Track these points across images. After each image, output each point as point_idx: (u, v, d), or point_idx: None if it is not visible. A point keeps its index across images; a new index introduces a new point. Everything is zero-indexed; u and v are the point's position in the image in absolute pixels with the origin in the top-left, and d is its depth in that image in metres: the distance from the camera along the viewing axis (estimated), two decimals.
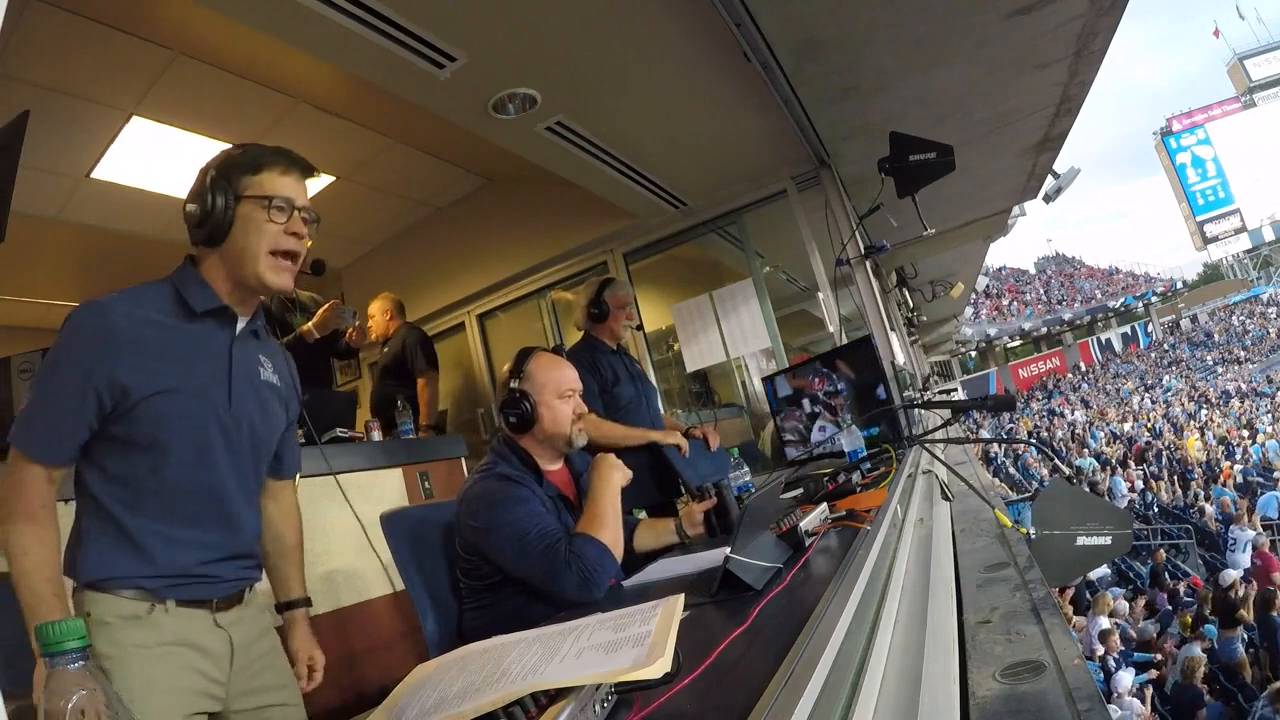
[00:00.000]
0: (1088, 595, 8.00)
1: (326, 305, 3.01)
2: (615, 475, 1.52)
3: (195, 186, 1.17)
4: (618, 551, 1.42)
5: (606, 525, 1.42)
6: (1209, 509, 10.64)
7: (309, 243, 1.23)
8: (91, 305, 1.09)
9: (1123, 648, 6.44)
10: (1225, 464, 13.34)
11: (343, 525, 2.37)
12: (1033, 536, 1.81)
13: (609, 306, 2.75)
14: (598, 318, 2.76)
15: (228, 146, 1.21)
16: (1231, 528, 8.85)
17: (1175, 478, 13.51)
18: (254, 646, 1.23)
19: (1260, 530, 8.66)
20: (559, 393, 1.58)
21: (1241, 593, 6.87)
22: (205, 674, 1.14)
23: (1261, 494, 10.68)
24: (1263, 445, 13.75)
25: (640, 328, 2.85)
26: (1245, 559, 8.46)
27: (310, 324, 2.97)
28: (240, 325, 1.22)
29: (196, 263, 1.20)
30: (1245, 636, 6.40)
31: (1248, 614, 6.59)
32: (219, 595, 1.17)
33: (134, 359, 1.08)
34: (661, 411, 2.98)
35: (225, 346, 1.20)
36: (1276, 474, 12.07)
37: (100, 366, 1.06)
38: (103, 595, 1.08)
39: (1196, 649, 6.01)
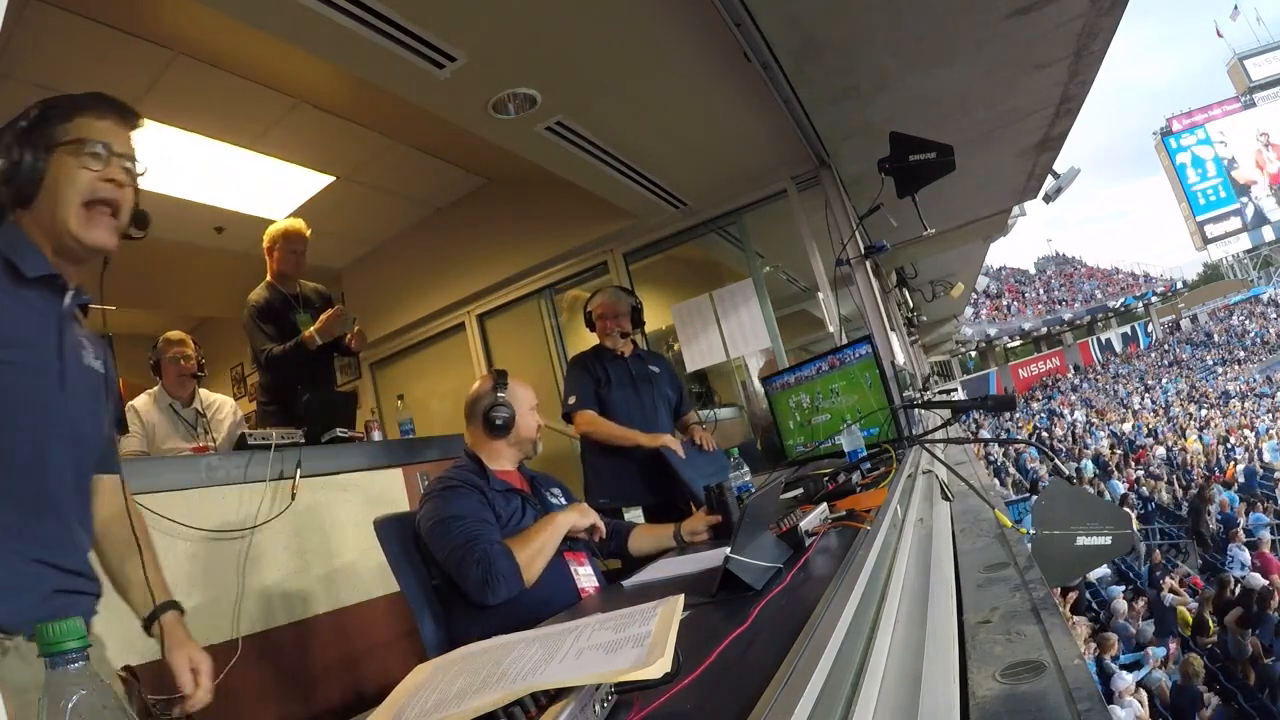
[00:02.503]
0: (1088, 596, 8.01)
1: (329, 312, 2.98)
2: (568, 515, 1.68)
3: (4, 137, 1.02)
4: (527, 575, 1.54)
5: (529, 548, 1.57)
6: (1210, 509, 10.63)
7: (135, 196, 1.10)
8: None
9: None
10: (1228, 464, 13.34)
11: (342, 525, 2.38)
12: (1032, 535, 1.81)
13: (592, 317, 2.90)
14: (590, 327, 2.93)
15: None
16: (1230, 546, 8.86)
17: (1175, 478, 13.51)
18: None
19: (1244, 546, 8.66)
20: (529, 406, 1.87)
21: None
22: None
23: (1261, 494, 10.68)
24: (1261, 447, 13.74)
25: (626, 335, 2.87)
26: (1247, 555, 8.48)
27: (313, 329, 2.94)
28: (68, 299, 1.06)
29: (18, 224, 1.04)
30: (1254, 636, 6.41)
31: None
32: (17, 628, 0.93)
33: None
34: (685, 411, 3.03)
35: (54, 320, 1.03)
36: (1277, 474, 12.07)
37: None
38: None
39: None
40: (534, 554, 1.56)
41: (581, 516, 1.68)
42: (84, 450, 1.07)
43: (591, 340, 2.97)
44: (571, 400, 2.77)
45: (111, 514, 1.18)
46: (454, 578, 1.54)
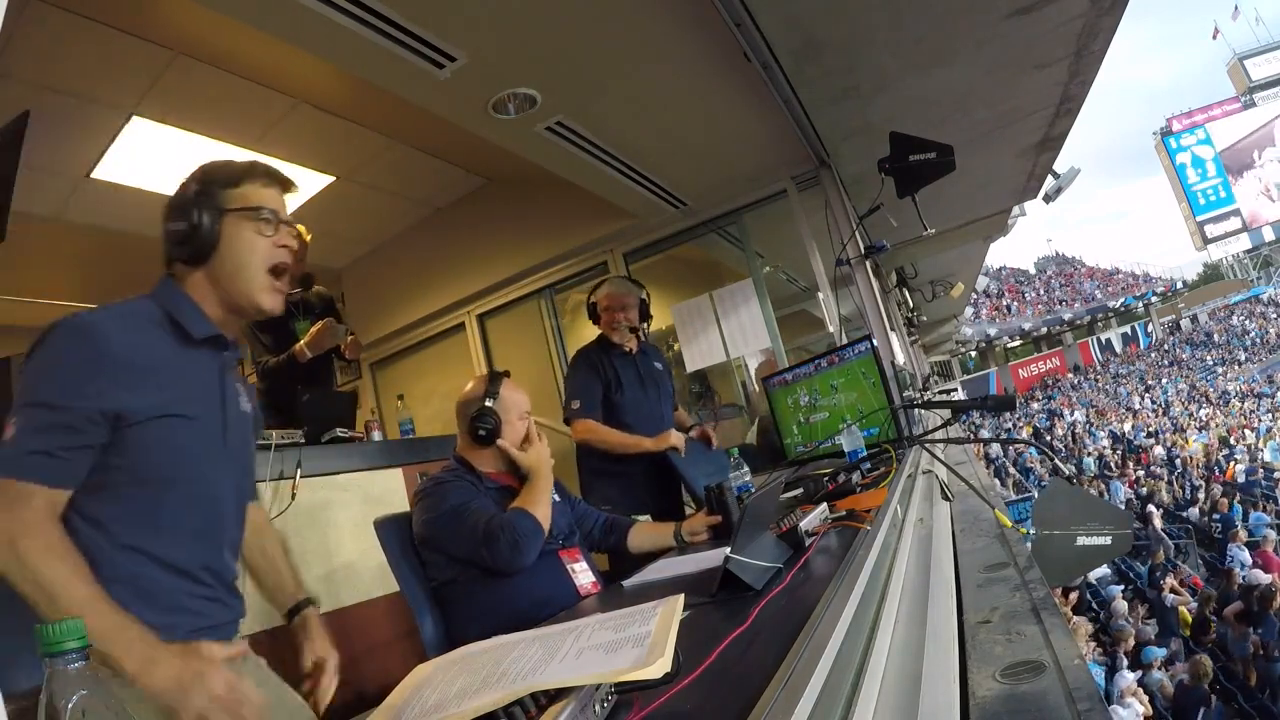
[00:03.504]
0: (1089, 597, 8.00)
1: (317, 326, 2.92)
2: (547, 459, 1.74)
3: (175, 201, 1.10)
4: (546, 524, 1.61)
5: (540, 504, 1.62)
6: (1208, 507, 10.64)
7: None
8: (78, 320, 0.99)
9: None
10: (1228, 465, 13.34)
11: (342, 525, 2.37)
12: (1032, 535, 1.81)
13: (596, 309, 2.75)
14: (594, 320, 2.78)
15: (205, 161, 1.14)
16: (1230, 546, 8.86)
17: (1175, 478, 13.52)
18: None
19: (1244, 546, 8.67)
20: (520, 414, 1.81)
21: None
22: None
23: (1261, 494, 10.68)
24: (1259, 447, 13.74)
25: (635, 330, 2.73)
26: (1247, 554, 8.48)
27: (303, 343, 2.90)
28: (226, 353, 1.14)
29: (179, 282, 1.11)
30: (1256, 635, 6.41)
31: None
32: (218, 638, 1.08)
33: (129, 382, 0.98)
34: (675, 412, 2.95)
35: (217, 376, 1.12)
36: (1277, 474, 12.07)
37: (93, 387, 0.95)
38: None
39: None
40: (538, 504, 1.62)
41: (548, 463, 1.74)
42: (243, 489, 1.19)
43: (594, 335, 2.82)
44: (575, 405, 2.56)
45: (256, 528, 1.31)
46: (482, 559, 1.56)
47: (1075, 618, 6.88)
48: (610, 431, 2.55)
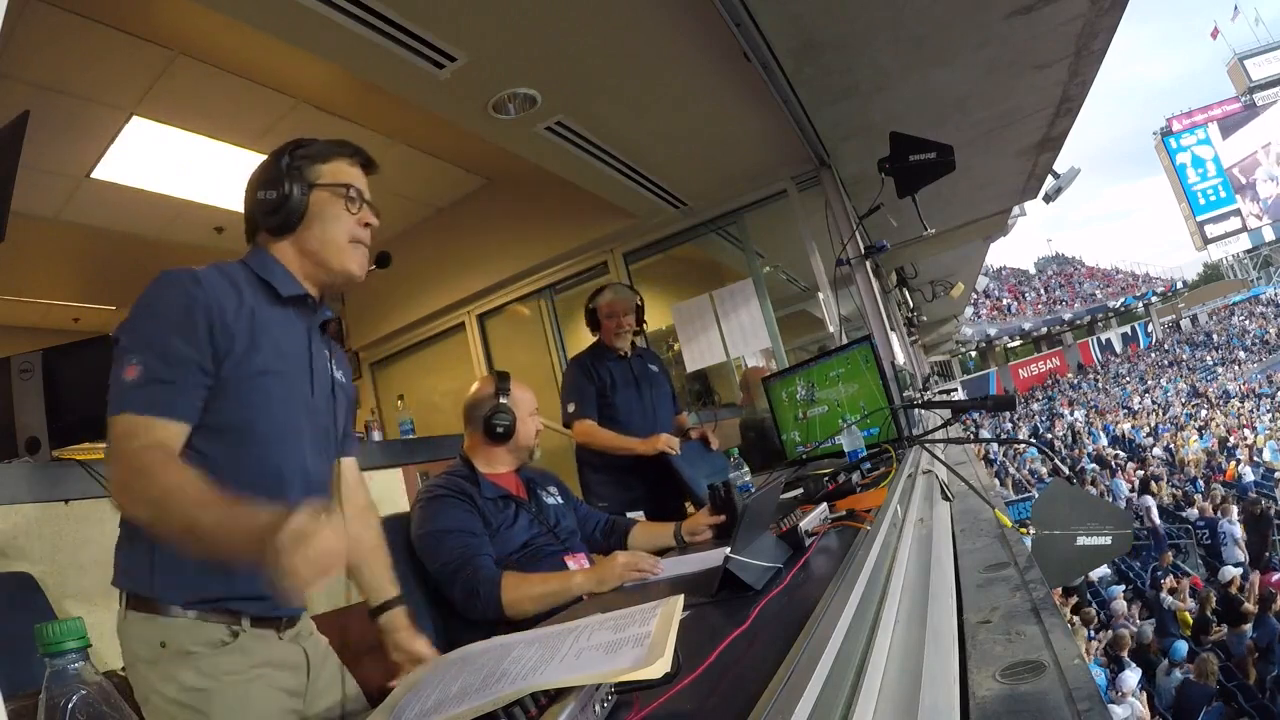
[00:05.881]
0: (1089, 597, 8.01)
1: None
2: (585, 581, 1.50)
3: (267, 173, 1.14)
4: (510, 611, 1.51)
5: (527, 592, 1.51)
6: (1205, 505, 10.62)
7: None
8: (181, 273, 1.04)
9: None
10: (1228, 465, 13.34)
11: None
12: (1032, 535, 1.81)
13: (597, 315, 2.80)
14: (592, 326, 2.83)
15: (288, 140, 1.18)
16: (1221, 522, 8.86)
17: (1175, 478, 13.51)
18: (326, 665, 1.18)
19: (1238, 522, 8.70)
20: (530, 411, 1.83)
21: (1241, 588, 6.90)
22: (291, 690, 1.09)
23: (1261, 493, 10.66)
24: (1260, 448, 13.73)
25: (639, 332, 2.81)
26: (1238, 552, 8.48)
27: None
28: (314, 315, 1.19)
29: (265, 249, 1.16)
30: (1252, 635, 6.41)
31: (1252, 607, 6.62)
32: (286, 613, 1.11)
33: (226, 331, 1.03)
34: (677, 412, 2.98)
35: (305, 335, 1.16)
36: (1278, 474, 12.06)
37: (199, 333, 1.00)
38: (183, 620, 0.99)
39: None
40: (526, 598, 1.50)
41: (599, 584, 1.49)
42: (327, 449, 1.21)
43: (590, 340, 2.90)
44: (571, 408, 2.68)
45: (359, 510, 1.34)
46: (442, 589, 1.57)
47: (1075, 618, 6.89)
48: (605, 433, 2.65)
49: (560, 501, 1.87)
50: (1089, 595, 8.01)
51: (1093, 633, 6.97)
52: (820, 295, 4.03)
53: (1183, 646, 6.41)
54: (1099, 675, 5.81)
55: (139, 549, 1.02)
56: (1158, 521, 10.17)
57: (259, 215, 1.15)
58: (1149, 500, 11.05)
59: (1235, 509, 9.20)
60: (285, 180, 1.12)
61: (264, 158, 1.18)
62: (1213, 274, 40.42)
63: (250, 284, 1.11)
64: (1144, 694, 5.70)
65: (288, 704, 1.08)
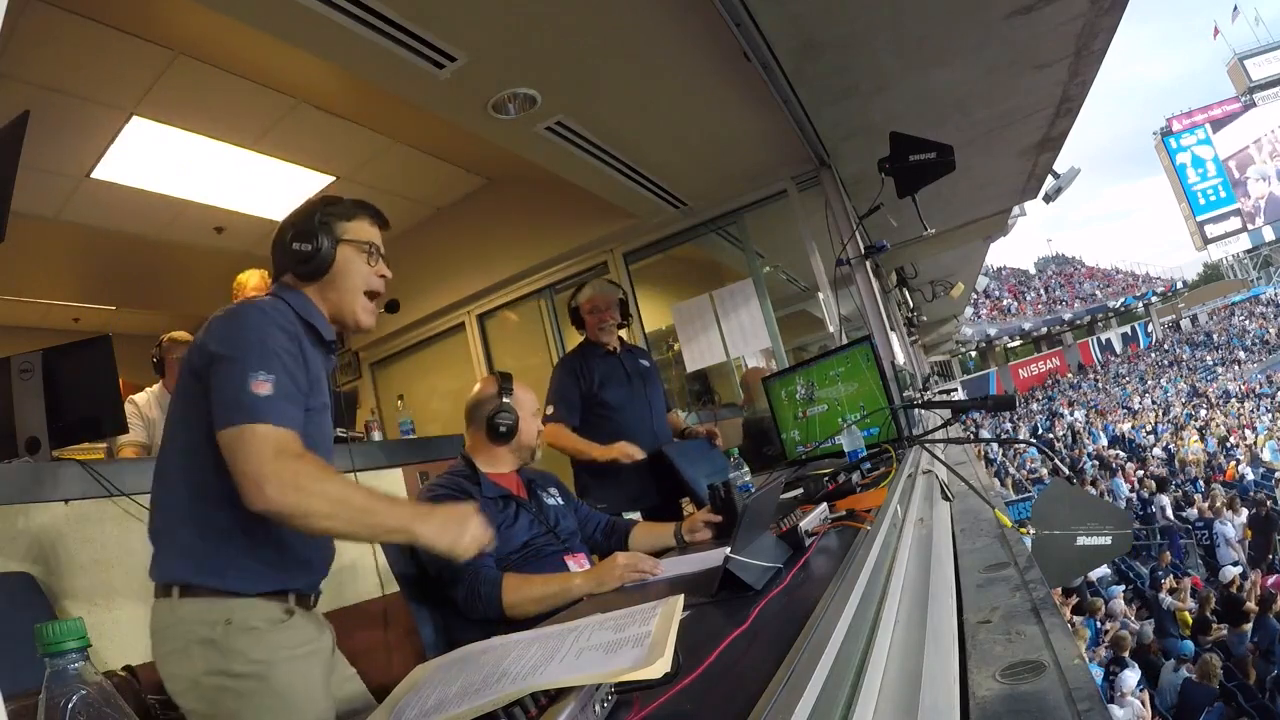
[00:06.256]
0: (1089, 596, 8.00)
1: None
2: (585, 583, 1.49)
3: (301, 226, 1.29)
4: (510, 612, 1.51)
5: (527, 594, 1.51)
6: (1204, 506, 10.62)
7: None
8: (265, 305, 1.20)
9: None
10: (1228, 465, 13.34)
11: None
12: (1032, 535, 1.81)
13: (580, 313, 2.79)
14: (577, 324, 2.81)
15: (314, 195, 1.37)
16: (1216, 523, 8.86)
17: (1175, 478, 13.50)
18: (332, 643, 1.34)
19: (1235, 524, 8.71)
20: (532, 411, 1.86)
21: (1240, 587, 6.90)
22: (325, 665, 1.25)
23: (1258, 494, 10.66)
24: (1259, 447, 13.73)
25: (623, 325, 2.82)
26: (1234, 553, 8.48)
27: None
28: (333, 357, 1.36)
29: (301, 292, 1.31)
30: (1251, 635, 6.41)
31: (1254, 606, 6.62)
32: (314, 591, 1.29)
33: (299, 364, 1.19)
34: (668, 410, 2.95)
35: (328, 377, 1.33)
36: (1278, 474, 12.06)
37: (295, 362, 1.17)
38: (246, 600, 1.14)
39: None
40: (527, 600, 1.50)
41: (599, 586, 1.46)
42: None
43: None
44: (549, 410, 2.61)
45: None
46: (443, 589, 1.57)
47: (1075, 618, 6.89)
48: (569, 437, 2.61)
49: (561, 502, 1.87)
50: (1088, 596, 8.00)
51: (1100, 623, 6.99)
52: (820, 295, 4.03)
53: (1189, 644, 6.41)
54: (1098, 676, 5.82)
55: (224, 548, 1.14)
56: (1171, 519, 10.17)
57: (291, 262, 1.30)
58: (1164, 499, 11.05)
59: (1243, 510, 9.19)
60: (318, 234, 1.28)
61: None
62: (1213, 274, 40.41)
63: (297, 323, 1.25)
64: (1144, 694, 5.70)
65: (323, 676, 1.24)
